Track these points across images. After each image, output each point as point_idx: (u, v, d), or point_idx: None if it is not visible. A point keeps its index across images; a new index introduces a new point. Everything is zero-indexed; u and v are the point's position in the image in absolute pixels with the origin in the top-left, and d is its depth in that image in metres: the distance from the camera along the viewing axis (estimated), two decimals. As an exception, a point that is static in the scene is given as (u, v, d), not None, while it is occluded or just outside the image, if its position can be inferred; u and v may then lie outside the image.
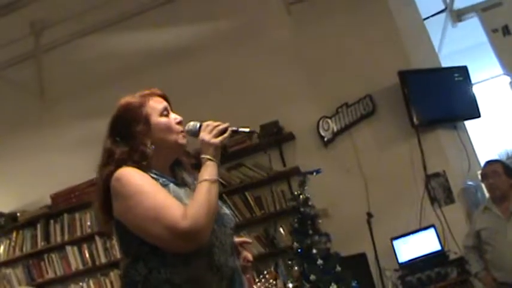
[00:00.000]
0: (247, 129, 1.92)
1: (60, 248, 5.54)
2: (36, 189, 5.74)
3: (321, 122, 5.25)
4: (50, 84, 5.97)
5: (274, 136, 5.21)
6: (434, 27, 5.82)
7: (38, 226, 5.62)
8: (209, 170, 1.78)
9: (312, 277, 4.00)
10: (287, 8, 5.51)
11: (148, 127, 1.84)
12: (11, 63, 5.83)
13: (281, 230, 5.09)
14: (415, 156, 4.97)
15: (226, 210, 1.92)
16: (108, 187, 1.76)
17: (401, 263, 4.62)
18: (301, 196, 4.30)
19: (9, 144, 5.97)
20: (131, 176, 1.73)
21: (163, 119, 1.88)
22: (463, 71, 5.22)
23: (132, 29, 5.74)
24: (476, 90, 5.32)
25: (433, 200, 4.90)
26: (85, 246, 5.48)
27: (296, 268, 4.10)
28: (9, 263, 5.65)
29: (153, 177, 1.77)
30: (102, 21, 5.63)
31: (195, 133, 1.88)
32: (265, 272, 2.59)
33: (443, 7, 5.98)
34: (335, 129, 5.24)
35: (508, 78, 5.96)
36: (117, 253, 5.36)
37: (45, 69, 5.93)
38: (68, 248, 5.50)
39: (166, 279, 1.69)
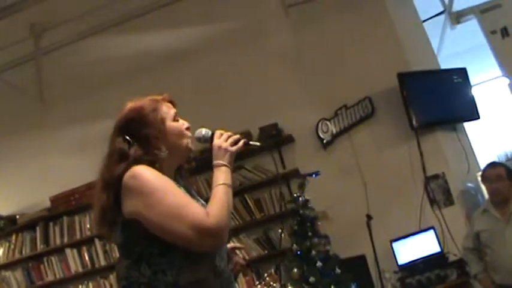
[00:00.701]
0: (257, 143, 2.01)
1: (59, 250, 5.54)
2: (36, 192, 5.73)
3: (320, 124, 5.25)
4: (50, 87, 5.97)
5: (274, 138, 5.21)
6: (433, 29, 5.83)
7: (38, 229, 5.61)
8: (225, 175, 1.81)
9: (312, 279, 4.00)
10: (285, 11, 5.52)
11: (163, 132, 1.84)
12: (10, 65, 5.82)
13: (281, 232, 5.09)
14: (415, 158, 4.98)
15: None
16: (118, 186, 1.73)
17: (401, 265, 4.63)
18: (300, 198, 4.30)
19: (8, 147, 5.97)
20: (149, 174, 1.72)
21: (177, 124, 1.90)
22: (462, 72, 5.22)
23: (131, 31, 5.74)
24: (475, 92, 5.32)
25: (432, 201, 4.90)
26: (84, 249, 5.48)
27: (296, 270, 4.10)
28: (8, 266, 5.64)
29: None
30: (101, 24, 5.63)
31: (207, 140, 1.92)
32: (265, 275, 2.59)
33: (442, 9, 5.99)
34: (334, 132, 5.25)
35: (506, 80, 5.97)
36: (116, 256, 5.36)
37: (44, 72, 5.92)
38: (68, 251, 5.49)
39: (172, 281, 1.69)
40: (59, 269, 5.50)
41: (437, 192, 4.92)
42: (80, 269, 5.45)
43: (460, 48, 6.63)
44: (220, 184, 1.78)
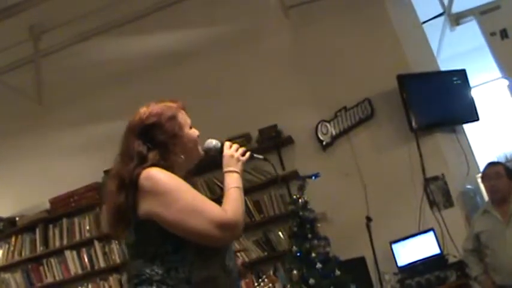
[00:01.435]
0: (260, 156, 2.17)
1: (59, 252, 5.54)
2: (35, 194, 5.73)
3: (319, 126, 5.25)
4: (49, 89, 5.97)
5: (273, 140, 5.21)
6: (433, 31, 5.83)
7: (37, 231, 5.61)
8: (237, 181, 1.97)
9: (311, 281, 3.99)
10: (285, 13, 5.52)
11: (180, 139, 1.95)
12: (9, 67, 5.81)
13: (280, 234, 5.09)
14: (414, 159, 4.97)
15: None
16: (135, 188, 1.80)
17: (401, 267, 4.62)
18: (300, 200, 4.30)
19: (7, 149, 5.97)
20: (163, 175, 1.81)
21: (192, 132, 2.01)
22: (462, 74, 5.23)
23: (131, 34, 5.74)
24: (474, 93, 5.33)
25: (432, 203, 4.90)
26: (84, 250, 5.48)
27: (295, 272, 4.09)
28: (8, 267, 5.64)
29: None
30: (100, 26, 5.62)
31: (217, 150, 2.06)
32: (264, 276, 2.59)
33: (441, 11, 5.99)
34: (334, 133, 5.25)
35: (506, 82, 5.97)
36: (116, 257, 5.36)
37: (43, 74, 5.92)
38: (67, 253, 5.49)
39: (185, 278, 1.76)
40: (59, 271, 5.50)
41: (437, 193, 4.91)
42: (80, 271, 5.44)
43: (460, 49, 6.63)
44: (233, 187, 1.93)
